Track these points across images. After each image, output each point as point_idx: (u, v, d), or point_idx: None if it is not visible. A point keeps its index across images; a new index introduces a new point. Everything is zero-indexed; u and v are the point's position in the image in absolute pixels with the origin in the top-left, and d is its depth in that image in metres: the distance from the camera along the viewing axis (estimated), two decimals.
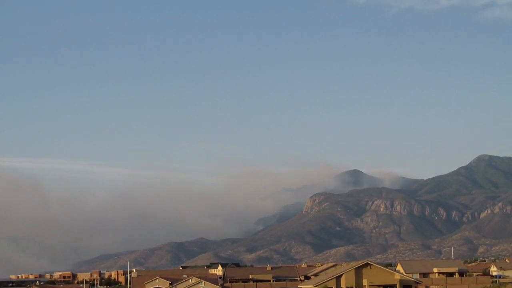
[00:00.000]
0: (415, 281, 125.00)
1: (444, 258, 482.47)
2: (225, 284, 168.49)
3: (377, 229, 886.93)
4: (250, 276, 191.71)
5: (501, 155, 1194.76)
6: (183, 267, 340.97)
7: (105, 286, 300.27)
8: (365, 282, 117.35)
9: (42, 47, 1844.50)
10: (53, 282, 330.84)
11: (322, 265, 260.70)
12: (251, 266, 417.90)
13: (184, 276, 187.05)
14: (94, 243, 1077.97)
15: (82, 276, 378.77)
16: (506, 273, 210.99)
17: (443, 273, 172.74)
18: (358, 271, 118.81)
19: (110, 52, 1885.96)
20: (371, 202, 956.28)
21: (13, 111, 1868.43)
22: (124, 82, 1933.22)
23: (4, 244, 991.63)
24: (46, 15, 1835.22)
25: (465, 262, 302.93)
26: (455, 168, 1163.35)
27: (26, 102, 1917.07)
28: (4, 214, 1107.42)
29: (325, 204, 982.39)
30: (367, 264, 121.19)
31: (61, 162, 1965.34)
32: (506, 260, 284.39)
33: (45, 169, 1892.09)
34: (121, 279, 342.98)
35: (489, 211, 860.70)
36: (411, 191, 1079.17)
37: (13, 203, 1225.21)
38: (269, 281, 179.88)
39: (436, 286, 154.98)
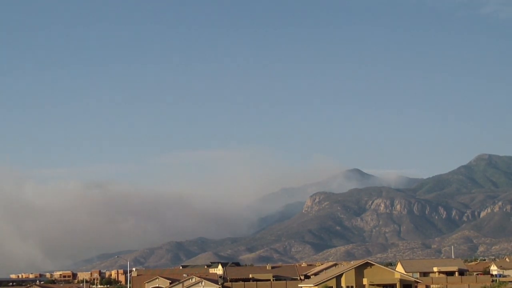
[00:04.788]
0: (415, 280, 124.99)
1: (444, 257, 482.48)
2: (226, 284, 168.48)
3: (377, 228, 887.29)
4: (250, 276, 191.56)
5: (501, 154, 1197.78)
6: (183, 267, 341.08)
7: (105, 286, 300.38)
8: (365, 281, 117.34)
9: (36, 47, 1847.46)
10: (53, 281, 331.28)
11: (322, 264, 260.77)
12: (251, 265, 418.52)
13: (185, 275, 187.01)
14: (94, 242, 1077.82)
15: (82, 275, 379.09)
16: (506, 272, 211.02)
17: (443, 272, 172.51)
18: (358, 270, 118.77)
19: (108, 55, 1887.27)
20: (371, 201, 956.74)
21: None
22: (125, 83, 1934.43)
23: (6, 243, 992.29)
24: (44, 18, 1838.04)
25: (465, 261, 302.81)
26: (455, 167, 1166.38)
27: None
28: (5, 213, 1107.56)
29: (325, 203, 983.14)
30: (367, 264, 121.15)
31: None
32: (506, 259, 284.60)
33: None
34: (121, 278, 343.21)
35: (489, 210, 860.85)
36: (411, 190, 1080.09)
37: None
38: (269, 280, 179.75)
39: (436, 285, 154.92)
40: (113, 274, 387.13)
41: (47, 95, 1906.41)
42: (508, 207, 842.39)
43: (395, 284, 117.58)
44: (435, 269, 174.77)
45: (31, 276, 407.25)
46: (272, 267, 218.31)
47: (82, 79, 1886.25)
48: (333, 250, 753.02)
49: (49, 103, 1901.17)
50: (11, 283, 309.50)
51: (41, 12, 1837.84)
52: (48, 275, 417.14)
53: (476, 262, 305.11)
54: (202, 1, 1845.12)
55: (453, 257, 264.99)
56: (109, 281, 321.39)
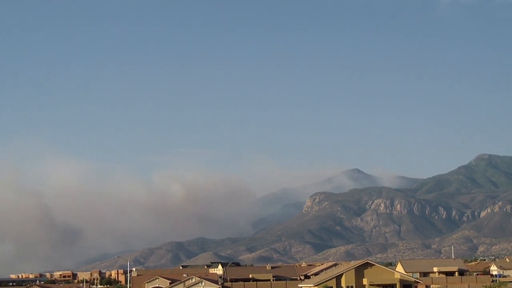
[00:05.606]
0: (415, 280, 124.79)
1: (444, 257, 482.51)
2: (226, 284, 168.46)
3: (377, 228, 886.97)
4: (250, 276, 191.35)
5: (501, 154, 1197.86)
6: (183, 267, 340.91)
7: (105, 286, 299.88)
8: (365, 281, 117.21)
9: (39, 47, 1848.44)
10: (53, 281, 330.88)
11: (322, 264, 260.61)
12: (251, 265, 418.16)
13: (185, 275, 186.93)
14: (94, 242, 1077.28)
15: (82, 275, 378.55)
16: (506, 272, 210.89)
17: (443, 272, 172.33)
18: (358, 270, 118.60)
19: (110, 55, 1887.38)
20: (371, 201, 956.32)
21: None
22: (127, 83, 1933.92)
23: (6, 243, 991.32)
24: (45, 18, 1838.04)
25: (465, 261, 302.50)
26: (455, 167, 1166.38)
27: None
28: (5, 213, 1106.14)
29: (325, 203, 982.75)
30: (367, 264, 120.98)
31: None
32: (506, 259, 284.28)
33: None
34: (121, 278, 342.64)
35: (489, 210, 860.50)
36: (411, 190, 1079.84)
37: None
38: (269, 280, 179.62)
39: (436, 285, 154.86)
40: (113, 274, 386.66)
41: (47, 95, 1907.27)
42: (508, 207, 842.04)
43: (395, 284, 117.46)
44: (435, 269, 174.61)
45: (31, 276, 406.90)
46: (272, 267, 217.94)
47: (81, 80, 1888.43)
48: (333, 250, 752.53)
49: (49, 103, 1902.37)
50: (11, 283, 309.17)
51: (39, 12, 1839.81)
52: (48, 275, 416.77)
53: (476, 262, 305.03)
54: (204, 3, 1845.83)
55: (453, 257, 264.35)
56: (109, 281, 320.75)
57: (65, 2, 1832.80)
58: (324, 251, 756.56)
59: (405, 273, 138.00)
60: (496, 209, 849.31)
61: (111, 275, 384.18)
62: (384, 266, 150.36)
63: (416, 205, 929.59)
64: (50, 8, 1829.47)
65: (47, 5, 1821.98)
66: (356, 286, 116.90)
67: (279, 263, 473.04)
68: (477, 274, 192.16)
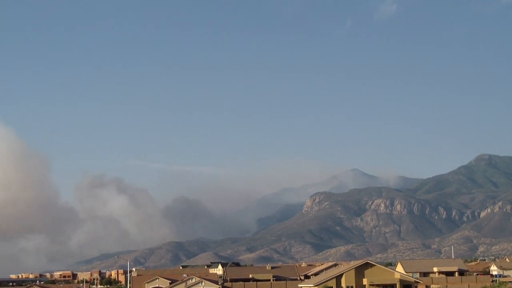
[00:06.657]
0: (415, 281, 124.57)
1: (444, 258, 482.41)
2: (226, 284, 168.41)
3: (377, 229, 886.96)
4: (250, 276, 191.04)
5: (501, 155, 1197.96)
6: (183, 267, 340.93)
7: (105, 286, 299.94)
8: (365, 281, 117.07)
9: (42, 47, 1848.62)
10: (53, 281, 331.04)
11: (322, 264, 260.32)
12: (251, 265, 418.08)
13: (185, 275, 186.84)
14: (94, 242, 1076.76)
15: (82, 275, 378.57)
16: (506, 272, 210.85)
17: (443, 272, 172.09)
18: (358, 270, 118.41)
19: (114, 56, 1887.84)
20: (371, 202, 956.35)
21: None
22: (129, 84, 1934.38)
23: (6, 243, 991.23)
24: (45, 18, 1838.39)
25: (465, 261, 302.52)
26: (455, 167, 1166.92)
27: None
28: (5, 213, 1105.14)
29: (325, 204, 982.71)
30: (367, 264, 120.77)
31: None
32: (506, 259, 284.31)
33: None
34: (121, 278, 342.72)
35: (489, 210, 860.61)
36: (411, 190, 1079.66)
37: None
38: (269, 280, 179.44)
39: (436, 286, 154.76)
40: (113, 274, 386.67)
41: (49, 96, 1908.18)
42: (508, 207, 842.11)
43: (395, 284, 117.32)
44: (435, 269, 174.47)
45: (31, 276, 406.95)
46: (272, 267, 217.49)
47: (80, 80, 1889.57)
48: (333, 250, 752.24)
49: (51, 103, 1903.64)
50: (11, 283, 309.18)
51: (37, 12, 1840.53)
52: (48, 275, 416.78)
53: (476, 262, 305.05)
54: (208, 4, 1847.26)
55: (453, 257, 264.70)
56: (109, 281, 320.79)
57: (65, 2, 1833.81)
58: (324, 251, 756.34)
59: (405, 273, 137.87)
60: (496, 209, 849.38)
61: (111, 275, 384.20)
62: (384, 266, 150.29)
63: (416, 205, 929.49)
64: (49, 8, 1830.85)
65: (44, 4, 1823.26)
66: (356, 286, 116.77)
67: (279, 263, 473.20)
68: (477, 274, 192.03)
